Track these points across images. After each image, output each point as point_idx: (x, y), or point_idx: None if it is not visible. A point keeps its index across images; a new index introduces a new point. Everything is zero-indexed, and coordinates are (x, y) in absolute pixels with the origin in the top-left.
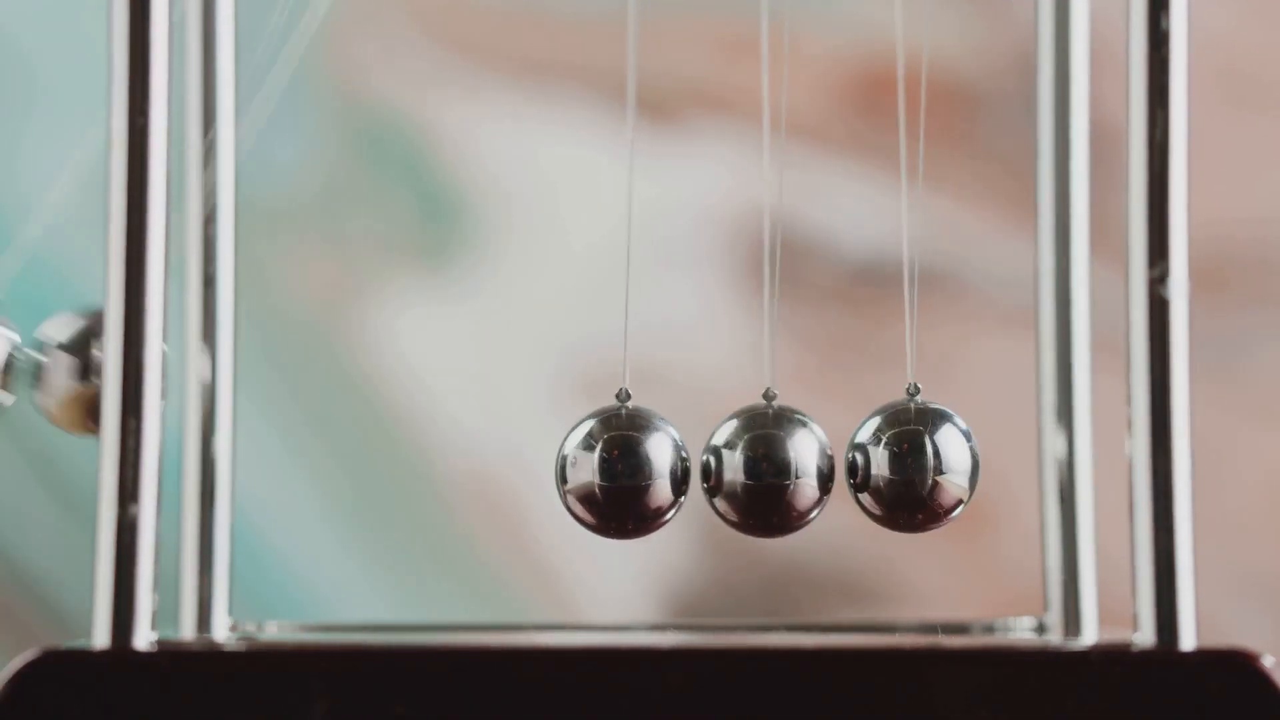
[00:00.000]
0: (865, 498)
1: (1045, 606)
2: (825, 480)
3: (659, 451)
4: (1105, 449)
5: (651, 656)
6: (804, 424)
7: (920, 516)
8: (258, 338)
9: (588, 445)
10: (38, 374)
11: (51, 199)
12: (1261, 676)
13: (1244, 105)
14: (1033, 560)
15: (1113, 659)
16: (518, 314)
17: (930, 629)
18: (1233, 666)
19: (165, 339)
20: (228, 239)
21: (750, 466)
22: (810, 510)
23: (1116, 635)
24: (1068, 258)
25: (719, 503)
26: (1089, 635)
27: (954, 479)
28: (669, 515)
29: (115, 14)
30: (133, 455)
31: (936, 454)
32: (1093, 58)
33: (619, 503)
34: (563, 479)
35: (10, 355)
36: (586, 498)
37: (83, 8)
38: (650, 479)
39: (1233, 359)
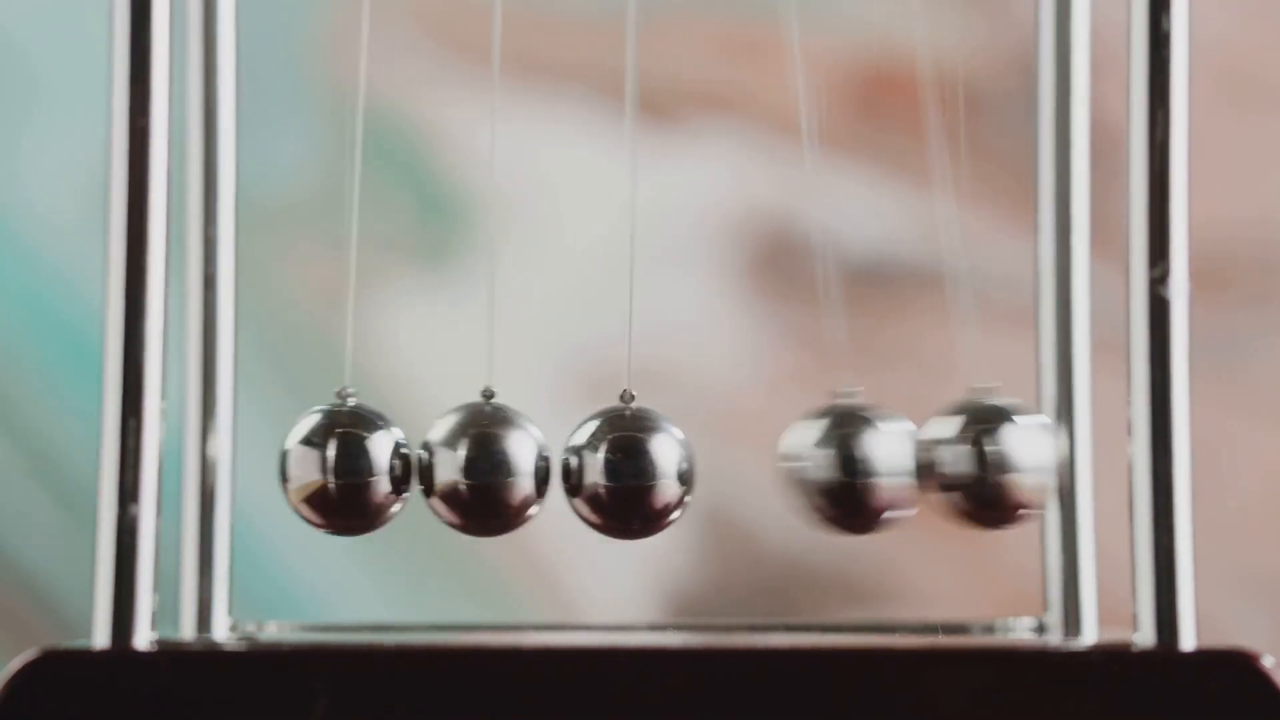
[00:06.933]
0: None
1: (1045, 606)
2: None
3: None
4: (1105, 449)
5: (651, 656)
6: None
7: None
8: (258, 338)
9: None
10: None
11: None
12: (1261, 676)
13: (1245, 106)
14: (1033, 560)
15: (1113, 659)
16: (518, 314)
17: (930, 629)
18: (1233, 666)
19: (165, 339)
20: (228, 239)
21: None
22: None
23: (1116, 635)
24: (1068, 258)
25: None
26: (1089, 635)
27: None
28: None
29: (116, 15)
30: (133, 455)
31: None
32: (1093, 58)
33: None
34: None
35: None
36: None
37: (83, 8)
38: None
39: (1233, 359)
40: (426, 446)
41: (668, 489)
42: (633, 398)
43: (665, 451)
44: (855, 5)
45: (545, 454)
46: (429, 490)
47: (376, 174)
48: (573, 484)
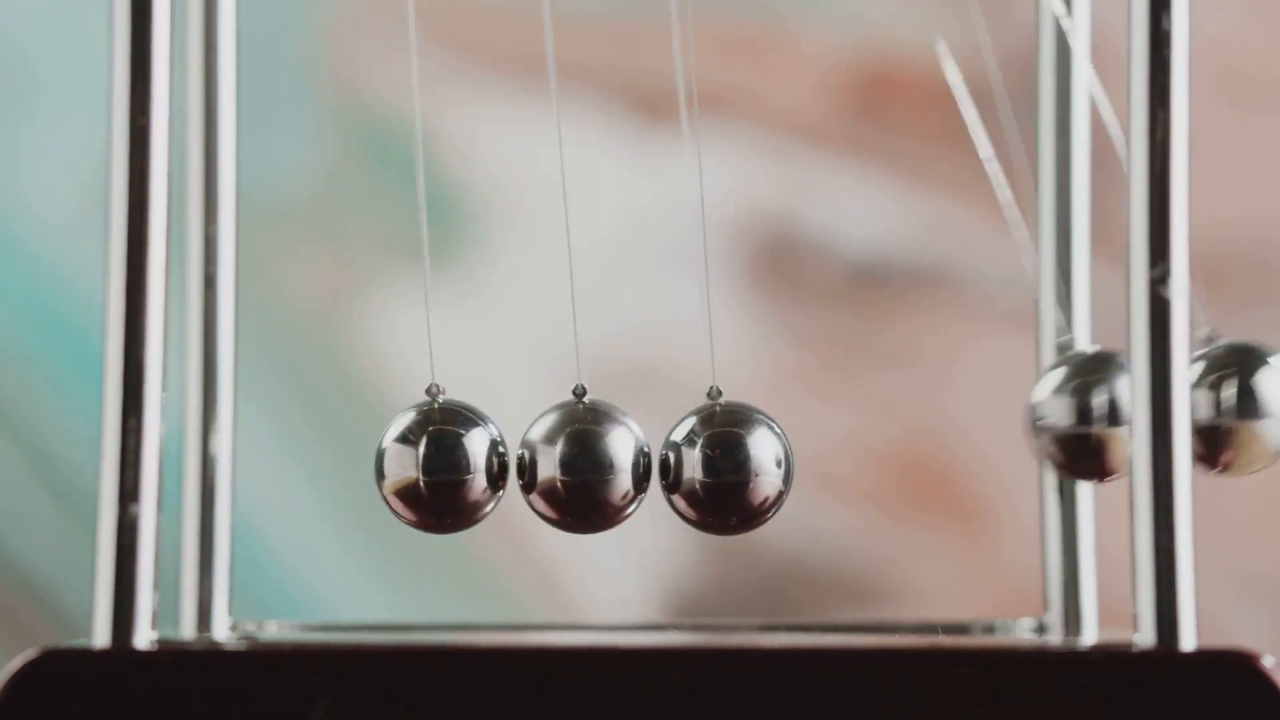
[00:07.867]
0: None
1: (1045, 606)
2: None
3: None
4: None
5: (651, 656)
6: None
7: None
8: (257, 338)
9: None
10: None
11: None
12: (1261, 676)
13: (1245, 106)
14: (1033, 560)
15: (1113, 659)
16: (518, 314)
17: (930, 629)
18: (1233, 666)
19: (165, 339)
20: (228, 239)
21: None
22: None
23: (1116, 635)
24: (1068, 258)
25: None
26: (1089, 635)
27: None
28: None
29: (116, 14)
30: (133, 455)
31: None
32: (1093, 58)
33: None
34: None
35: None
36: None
37: (83, 8)
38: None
39: None
40: (528, 445)
41: (767, 484)
42: (720, 393)
43: (763, 446)
44: (855, 5)
45: (645, 450)
46: (529, 487)
47: (377, 174)
48: (669, 481)
